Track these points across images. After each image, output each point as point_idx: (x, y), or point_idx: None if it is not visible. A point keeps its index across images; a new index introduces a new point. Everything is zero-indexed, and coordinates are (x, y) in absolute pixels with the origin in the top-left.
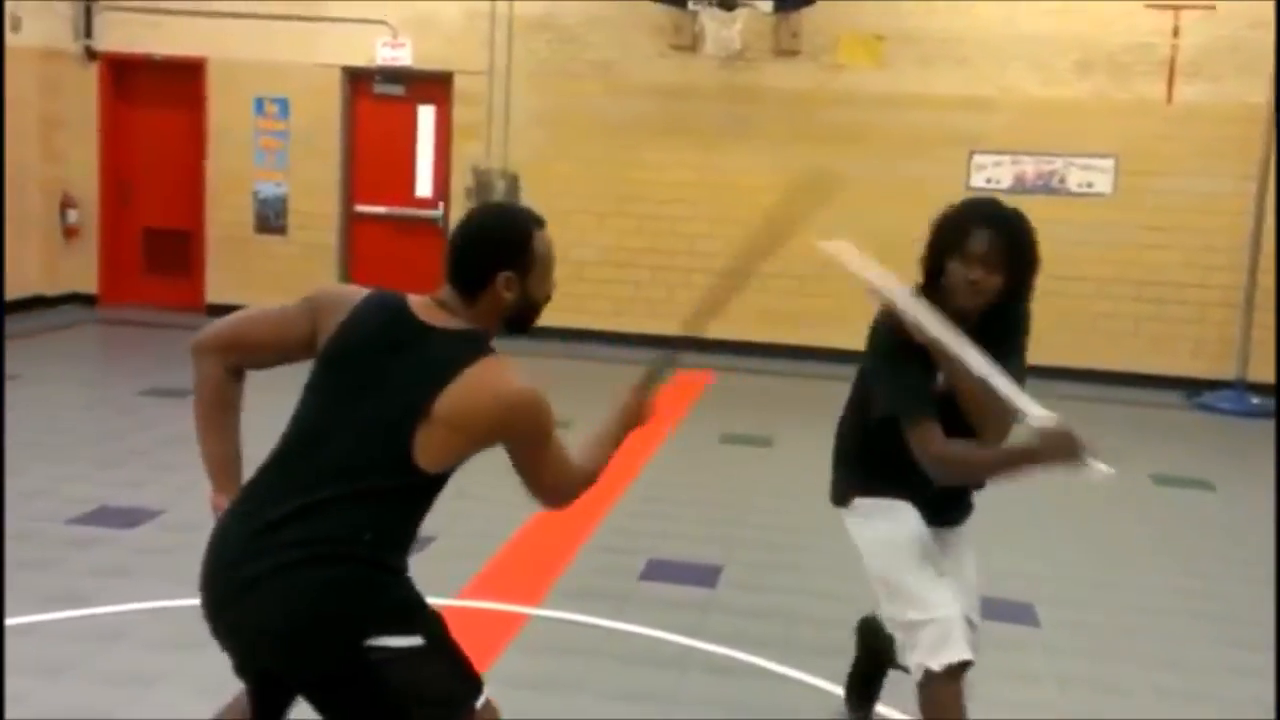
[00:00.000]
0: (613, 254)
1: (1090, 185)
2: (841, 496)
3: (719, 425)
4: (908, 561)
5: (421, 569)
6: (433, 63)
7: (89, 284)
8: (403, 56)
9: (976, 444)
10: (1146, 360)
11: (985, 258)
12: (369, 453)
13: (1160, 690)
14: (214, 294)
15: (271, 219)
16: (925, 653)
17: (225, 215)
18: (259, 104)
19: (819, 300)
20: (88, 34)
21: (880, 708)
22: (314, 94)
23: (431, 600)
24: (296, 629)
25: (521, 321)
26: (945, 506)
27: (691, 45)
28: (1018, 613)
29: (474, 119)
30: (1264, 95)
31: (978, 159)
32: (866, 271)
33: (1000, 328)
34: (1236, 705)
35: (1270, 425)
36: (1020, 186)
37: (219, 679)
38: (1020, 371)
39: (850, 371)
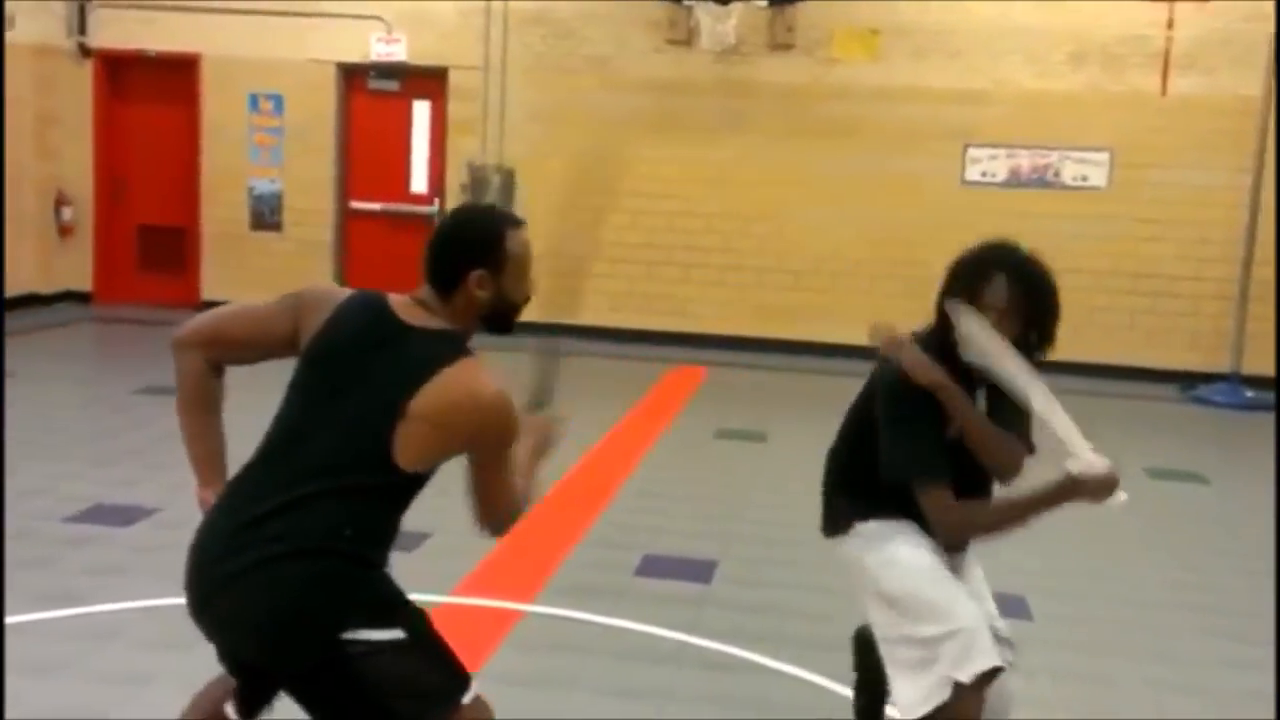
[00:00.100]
0: (607, 249)
1: (1085, 178)
2: (836, 525)
3: (714, 420)
4: (925, 575)
5: (415, 566)
6: (428, 58)
7: (83, 282)
8: (397, 52)
9: (987, 500)
10: (1141, 353)
11: (1000, 308)
12: (350, 450)
13: (1153, 683)
14: (209, 291)
15: (266, 215)
16: (951, 665)
17: (220, 212)
18: (253, 100)
19: (813, 295)
20: (82, 31)
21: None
22: (309, 90)
23: (425, 597)
24: (278, 623)
25: (500, 321)
26: None
27: (687, 40)
28: (1011, 606)
29: (469, 114)
30: (1258, 88)
31: (972, 152)
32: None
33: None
34: (1230, 698)
35: (1265, 418)
36: (1015, 180)
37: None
38: (1030, 429)
39: (844, 366)
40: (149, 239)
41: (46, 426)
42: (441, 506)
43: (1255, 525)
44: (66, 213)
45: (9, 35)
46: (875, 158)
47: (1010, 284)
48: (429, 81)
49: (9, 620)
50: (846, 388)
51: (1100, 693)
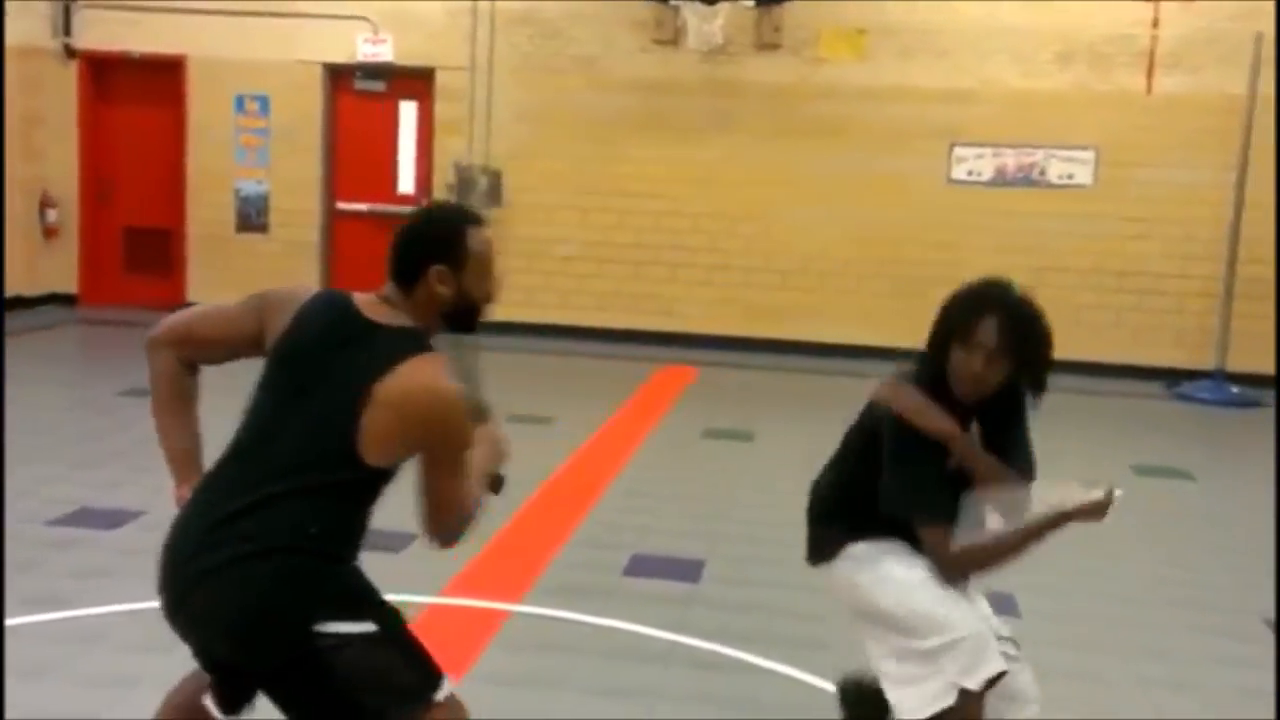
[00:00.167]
0: (595, 249)
1: (1071, 177)
2: (823, 553)
3: (701, 420)
4: (920, 589)
5: (403, 567)
6: (414, 58)
7: (68, 284)
8: (384, 52)
9: (983, 535)
10: (1127, 351)
11: (990, 348)
12: (316, 447)
13: (1142, 680)
14: (195, 293)
15: (253, 217)
16: (959, 673)
17: (206, 213)
18: (239, 101)
19: (801, 295)
20: (66, 32)
21: None
22: (295, 91)
23: (413, 598)
24: (248, 621)
25: (462, 319)
26: None
27: (673, 40)
28: (998, 603)
29: (456, 115)
30: (1243, 86)
31: (958, 151)
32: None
33: (1006, 411)
34: (1219, 694)
35: (1251, 415)
36: (1001, 179)
37: None
38: (1028, 457)
39: (832, 365)
40: (134, 241)
41: (31, 429)
42: None
43: (1242, 521)
44: (51, 214)
45: None
46: (862, 157)
47: (1001, 325)
48: (416, 82)
49: None
50: (834, 387)
51: (1090, 690)
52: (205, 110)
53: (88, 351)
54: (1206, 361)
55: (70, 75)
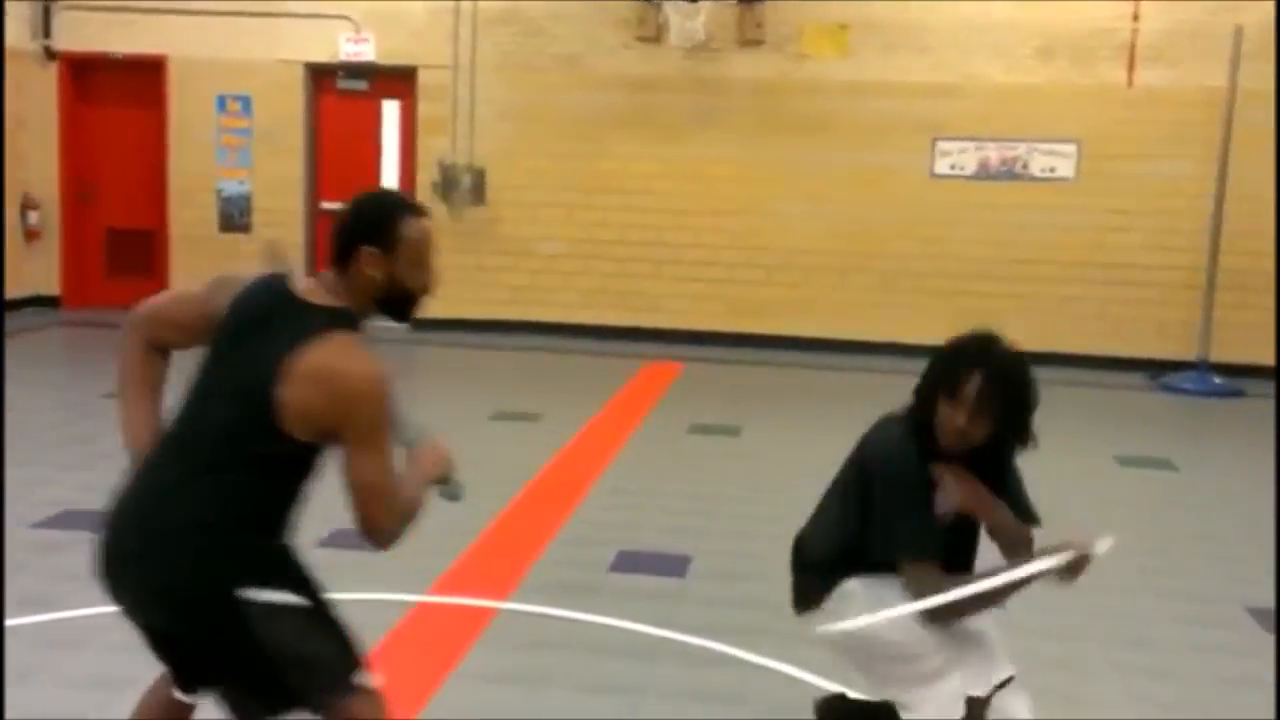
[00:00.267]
0: (580, 246)
1: (1053, 170)
2: (810, 599)
3: (687, 416)
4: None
5: (389, 565)
6: (397, 58)
7: (51, 286)
8: (366, 52)
9: (965, 577)
10: (1110, 343)
11: (973, 404)
12: (241, 420)
13: (1122, 668)
14: None
15: (236, 217)
16: (968, 683)
17: (189, 214)
18: (221, 101)
19: (785, 290)
20: (46, 33)
21: None
22: (277, 90)
23: (400, 596)
24: (178, 588)
25: (395, 307)
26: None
27: (656, 37)
28: None
29: (439, 114)
30: (1222, 79)
31: (942, 145)
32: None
33: (994, 459)
34: (1199, 682)
35: (1233, 405)
36: (984, 173)
37: None
38: (1024, 505)
39: (817, 360)
40: (117, 242)
41: (16, 431)
42: None
43: (1224, 511)
44: (33, 216)
45: None
46: (846, 152)
47: (985, 382)
48: (398, 81)
49: None
50: (819, 381)
51: (1070, 678)
52: (187, 111)
53: (71, 354)
54: (1189, 352)
55: (50, 77)
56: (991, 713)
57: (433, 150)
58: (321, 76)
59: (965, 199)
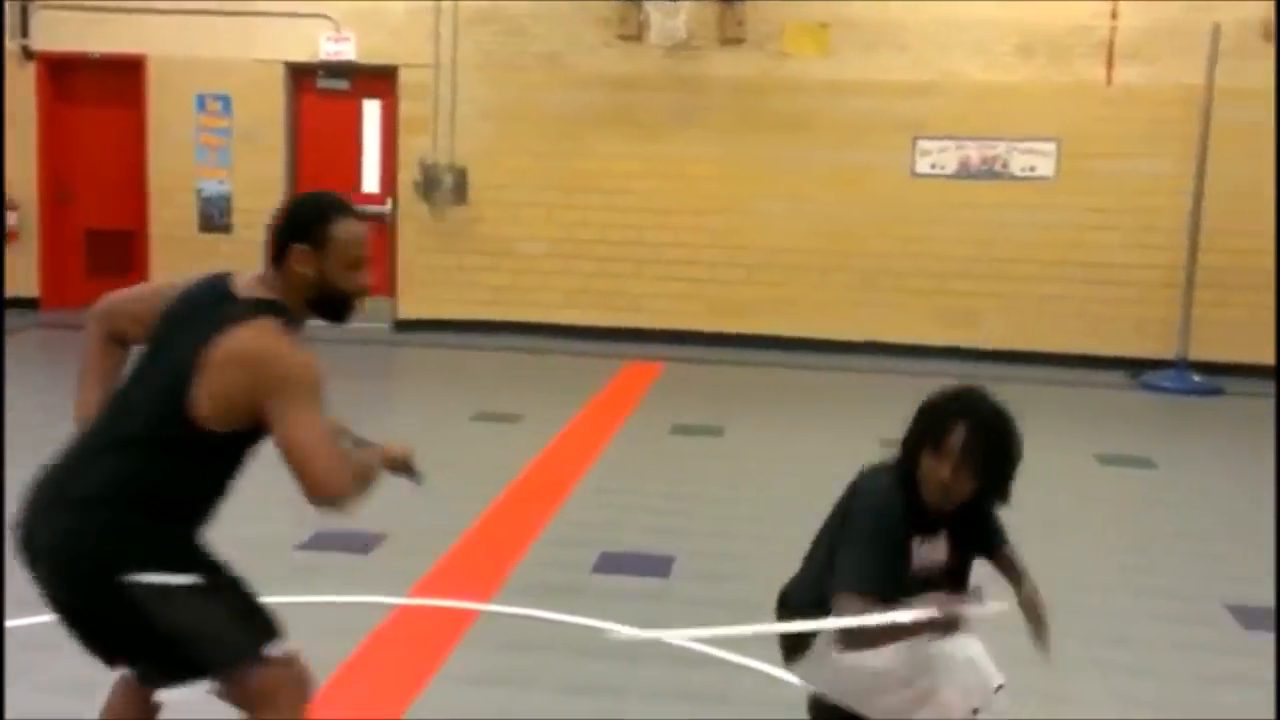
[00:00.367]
0: (561, 246)
1: (1033, 169)
2: (798, 644)
3: (669, 416)
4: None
5: (371, 568)
6: (377, 57)
7: (30, 288)
8: (346, 51)
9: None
10: (1090, 341)
11: (958, 457)
12: (156, 408)
13: (1103, 665)
14: None
15: (216, 217)
16: (964, 694)
17: (169, 214)
18: (200, 101)
19: (767, 289)
20: (24, 33)
21: None
22: (256, 90)
23: (382, 599)
24: (70, 561)
25: (328, 307)
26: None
27: (637, 35)
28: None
29: (420, 113)
30: (1200, 76)
31: (922, 144)
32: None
33: (977, 524)
34: (1179, 679)
35: (1213, 403)
36: (965, 171)
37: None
38: (1005, 547)
39: (799, 359)
40: (96, 243)
41: None
42: (394, 509)
43: (1204, 508)
44: (11, 217)
45: None
46: (826, 151)
47: (969, 435)
48: (379, 80)
49: None
50: (801, 381)
51: (1050, 676)
52: (166, 111)
53: (51, 356)
54: (1168, 350)
55: (28, 77)
56: (982, 712)
57: (414, 150)
58: (302, 76)
59: (946, 198)
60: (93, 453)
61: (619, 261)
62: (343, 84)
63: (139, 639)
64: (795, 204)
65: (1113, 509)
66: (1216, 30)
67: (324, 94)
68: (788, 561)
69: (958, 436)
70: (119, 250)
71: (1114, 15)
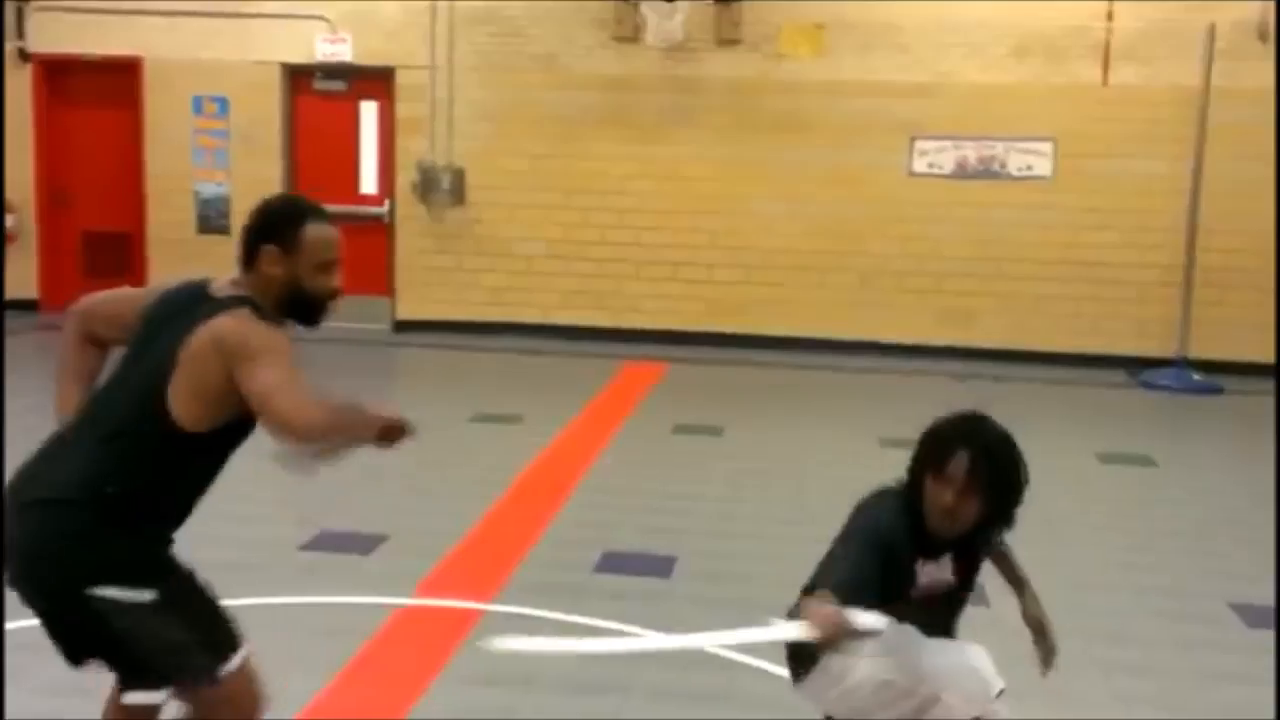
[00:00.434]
0: (559, 247)
1: (1030, 169)
2: (804, 662)
3: (670, 416)
4: (918, 645)
5: (374, 568)
6: (374, 58)
7: (29, 289)
8: (343, 52)
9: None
10: (1089, 340)
11: (962, 482)
12: (131, 407)
13: (1103, 664)
14: None
15: (213, 219)
16: (966, 700)
17: (166, 216)
18: (197, 103)
19: (765, 289)
20: (20, 35)
21: None
22: (253, 91)
23: (385, 599)
24: (30, 559)
25: (299, 309)
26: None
27: (634, 36)
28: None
29: (417, 114)
30: (1195, 77)
31: (919, 145)
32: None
33: (982, 549)
34: (1180, 677)
35: (1212, 401)
36: (962, 171)
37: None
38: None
39: (797, 359)
40: (94, 245)
41: None
42: (396, 510)
43: (1204, 506)
44: (9, 220)
45: None
46: (824, 151)
47: (973, 459)
48: (376, 82)
49: None
50: (800, 380)
51: (1051, 675)
52: (162, 112)
53: (49, 358)
54: (1168, 349)
55: (25, 79)
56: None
57: (411, 151)
58: (299, 77)
59: (943, 198)
60: (70, 452)
61: (617, 262)
62: (340, 85)
63: (100, 646)
64: (793, 204)
65: (1113, 507)
66: (1212, 31)
67: (321, 95)
68: (788, 561)
69: (960, 463)
70: (117, 252)
71: (1110, 16)
